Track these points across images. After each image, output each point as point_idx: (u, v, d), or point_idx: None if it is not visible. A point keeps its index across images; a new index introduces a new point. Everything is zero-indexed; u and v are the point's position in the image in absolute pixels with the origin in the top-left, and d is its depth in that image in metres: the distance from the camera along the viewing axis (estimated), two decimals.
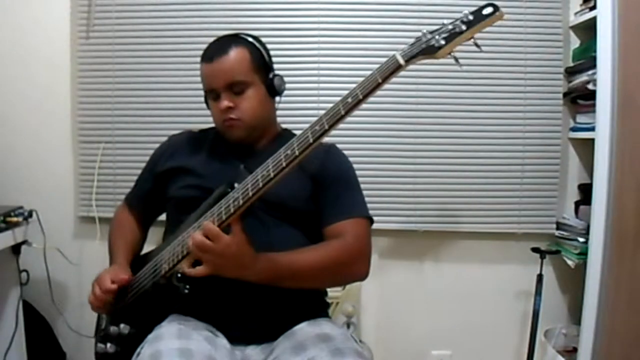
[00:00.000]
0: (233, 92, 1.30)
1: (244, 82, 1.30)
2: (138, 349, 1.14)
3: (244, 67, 1.30)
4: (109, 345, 1.27)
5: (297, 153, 1.08)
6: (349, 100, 1.09)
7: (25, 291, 1.91)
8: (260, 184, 1.09)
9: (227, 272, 1.12)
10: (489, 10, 1.08)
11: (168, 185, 1.38)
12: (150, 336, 1.15)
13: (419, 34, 1.11)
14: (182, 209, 1.29)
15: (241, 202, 1.09)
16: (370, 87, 1.08)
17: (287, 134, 1.44)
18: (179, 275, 1.19)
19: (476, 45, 1.09)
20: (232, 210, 1.10)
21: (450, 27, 1.07)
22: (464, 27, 1.06)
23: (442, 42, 1.07)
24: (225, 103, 1.29)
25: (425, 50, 1.08)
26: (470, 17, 1.07)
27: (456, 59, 1.09)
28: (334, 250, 1.23)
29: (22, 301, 1.89)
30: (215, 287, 1.21)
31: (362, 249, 1.28)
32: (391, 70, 1.08)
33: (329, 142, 1.44)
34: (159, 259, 1.26)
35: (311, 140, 1.08)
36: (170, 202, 1.38)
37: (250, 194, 1.09)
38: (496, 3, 1.99)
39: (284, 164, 1.09)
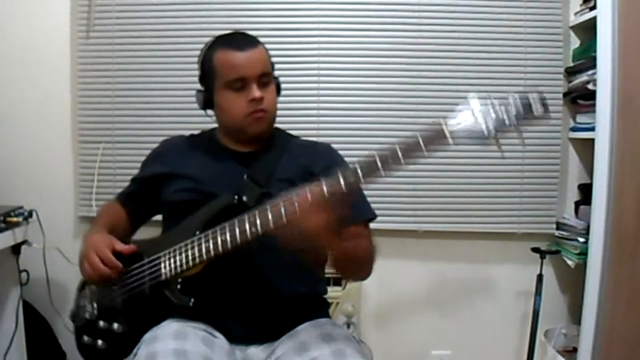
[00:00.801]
0: (260, 83, 1.28)
1: (270, 74, 1.31)
2: (135, 349, 1.13)
3: (268, 60, 1.32)
4: (100, 342, 1.25)
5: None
6: (389, 160, 1.03)
7: (25, 291, 1.91)
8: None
9: (330, 238, 1.06)
10: (538, 106, 1.02)
11: (162, 190, 1.35)
12: (146, 336, 1.15)
13: (466, 104, 1.06)
14: (180, 213, 1.27)
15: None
16: (413, 155, 1.04)
17: (281, 134, 1.42)
18: (179, 286, 1.19)
19: (522, 142, 1.05)
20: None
21: (500, 113, 1.03)
22: (514, 120, 1.03)
23: (493, 130, 1.04)
24: (258, 93, 1.26)
25: (475, 135, 1.06)
26: (520, 109, 1.03)
27: (500, 148, 1.05)
28: (368, 247, 1.24)
29: (22, 301, 1.89)
30: (217, 288, 1.21)
31: (375, 251, 1.28)
32: (438, 144, 1.06)
33: (325, 142, 1.45)
34: (156, 260, 1.23)
35: (343, 186, 1.04)
36: (166, 206, 1.35)
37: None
38: (497, 4, 2.01)
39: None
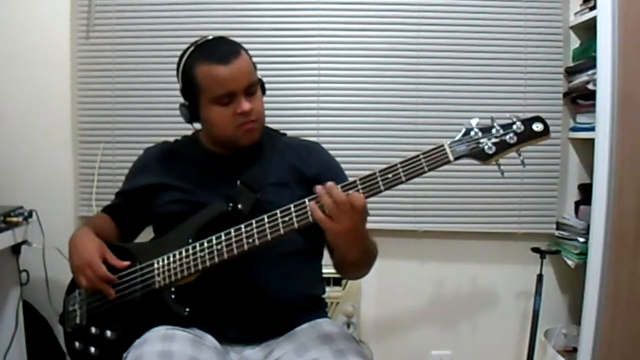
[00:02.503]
0: (247, 93, 1.24)
1: (256, 82, 1.27)
2: (125, 354, 1.13)
3: (252, 67, 1.27)
4: (92, 349, 1.24)
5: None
6: (389, 176, 1.07)
7: (25, 291, 1.91)
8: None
9: (361, 226, 1.10)
10: (539, 127, 1.08)
11: (152, 202, 1.32)
12: (136, 341, 1.14)
13: (468, 124, 1.10)
14: (171, 225, 1.26)
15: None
16: (415, 173, 1.08)
17: (268, 132, 1.38)
18: (173, 296, 1.19)
19: (522, 163, 1.09)
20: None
21: (501, 132, 1.09)
22: (515, 139, 1.08)
23: (494, 149, 1.08)
24: (248, 105, 1.23)
25: (476, 154, 1.08)
26: (522, 128, 1.08)
27: (500, 169, 1.10)
28: (373, 244, 1.25)
29: (22, 301, 1.89)
30: (211, 293, 1.21)
31: (376, 249, 1.28)
32: (440, 163, 1.09)
33: (314, 141, 1.43)
34: (149, 267, 1.23)
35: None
36: (157, 218, 1.33)
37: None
38: (497, 4, 2.02)
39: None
